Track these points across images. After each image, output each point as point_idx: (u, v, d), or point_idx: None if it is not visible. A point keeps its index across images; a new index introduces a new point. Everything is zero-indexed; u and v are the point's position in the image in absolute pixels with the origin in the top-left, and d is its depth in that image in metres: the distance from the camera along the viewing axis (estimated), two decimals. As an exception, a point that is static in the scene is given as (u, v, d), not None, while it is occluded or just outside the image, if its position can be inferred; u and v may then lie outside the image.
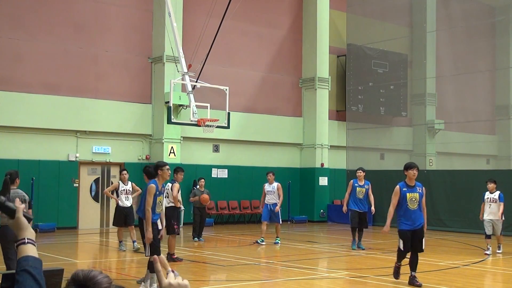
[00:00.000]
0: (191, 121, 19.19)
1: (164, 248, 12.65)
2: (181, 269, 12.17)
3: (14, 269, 2.12)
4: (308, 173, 25.02)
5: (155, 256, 2.32)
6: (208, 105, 19.36)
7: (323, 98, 25.20)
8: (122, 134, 21.11)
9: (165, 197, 12.18)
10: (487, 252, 14.36)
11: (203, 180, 17.60)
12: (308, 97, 25.38)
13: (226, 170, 23.25)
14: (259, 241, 16.18)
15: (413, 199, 10.06)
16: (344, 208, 15.67)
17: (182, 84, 19.92)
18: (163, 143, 21.14)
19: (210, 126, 19.10)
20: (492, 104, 30.90)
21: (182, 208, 19.23)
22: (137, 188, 14.94)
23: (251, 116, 23.95)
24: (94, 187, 20.82)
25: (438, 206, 20.61)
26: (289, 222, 24.17)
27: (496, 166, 29.81)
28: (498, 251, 14.60)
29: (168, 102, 19.65)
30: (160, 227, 9.80)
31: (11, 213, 2.36)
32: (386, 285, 10.53)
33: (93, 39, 20.57)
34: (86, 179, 20.65)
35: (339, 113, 26.68)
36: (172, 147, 21.30)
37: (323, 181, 25.02)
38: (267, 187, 16.43)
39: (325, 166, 25.09)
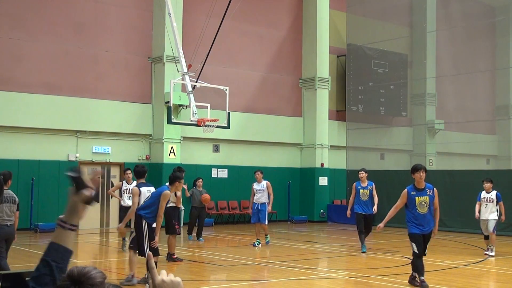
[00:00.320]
0: (191, 121, 19.20)
1: (164, 248, 12.67)
2: (181, 269, 12.18)
3: (5, 267, 2.11)
4: (308, 173, 25.03)
5: (150, 252, 2.35)
6: (208, 105, 19.37)
7: (323, 98, 25.20)
8: (122, 134, 21.12)
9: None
10: (487, 252, 14.18)
11: (201, 180, 17.60)
12: (308, 97, 25.38)
13: (226, 170, 23.25)
14: (255, 244, 15.66)
15: (423, 203, 9.63)
16: (348, 212, 14.96)
17: (182, 84, 19.93)
18: (163, 143, 21.15)
19: (210, 126, 19.11)
20: (492, 104, 30.90)
21: (182, 208, 19.26)
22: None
23: (251, 116, 23.95)
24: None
25: (438, 206, 20.61)
26: (289, 222, 24.18)
27: (496, 166, 29.81)
28: (490, 253, 14.14)
29: (168, 102, 19.66)
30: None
31: (80, 187, 2.31)
32: (386, 285, 10.54)
33: (93, 39, 20.58)
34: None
35: (339, 113, 26.69)
36: (172, 147, 21.30)
37: (323, 181, 25.02)
38: (255, 186, 15.85)
39: (325, 166, 25.09)
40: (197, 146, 22.65)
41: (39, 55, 19.55)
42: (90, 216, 20.59)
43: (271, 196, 15.79)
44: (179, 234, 14.58)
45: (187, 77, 19.36)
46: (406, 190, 9.76)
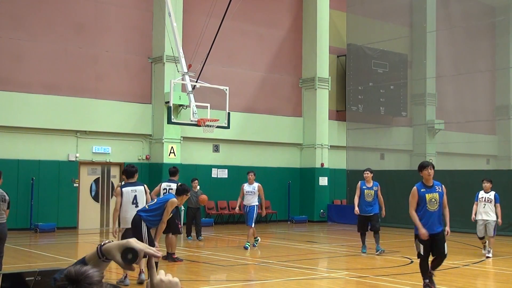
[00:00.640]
0: (191, 121, 19.20)
1: (163, 248, 12.67)
2: (181, 269, 12.18)
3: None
4: (308, 173, 25.03)
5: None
6: (208, 105, 19.36)
7: (323, 98, 25.20)
8: (122, 134, 21.12)
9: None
10: (486, 253, 14.02)
11: (196, 181, 17.56)
12: (308, 97, 25.38)
13: (226, 170, 23.25)
14: (246, 246, 15.13)
15: (433, 200, 9.28)
16: (356, 209, 14.40)
17: (182, 84, 19.93)
18: (163, 143, 21.15)
19: (210, 126, 19.10)
20: (492, 104, 30.90)
21: (182, 208, 19.28)
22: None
23: (251, 116, 23.95)
24: (94, 187, 20.81)
25: (438, 206, 20.58)
26: (289, 222, 24.18)
27: (496, 166, 29.81)
28: (488, 254, 14.04)
29: (168, 102, 19.66)
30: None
31: (131, 262, 2.30)
32: (386, 285, 10.54)
33: (93, 39, 20.58)
34: (86, 179, 20.65)
35: (339, 113, 26.69)
36: (172, 147, 21.30)
37: (323, 181, 25.02)
38: (246, 187, 15.24)
39: (325, 166, 25.09)
40: (197, 146, 22.65)
41: (39, 55, 19.55)
42: (90, 216, 20.59)
43: (263, 199, 15.32)
44: (181, 233, 14.59)
45: (187, 77, 19.36)
46: (415, 188, 9.37)
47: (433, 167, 9.39)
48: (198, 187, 17.74)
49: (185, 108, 20.50)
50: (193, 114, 19.16)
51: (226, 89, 19.75)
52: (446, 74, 27.81)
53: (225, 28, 20.46)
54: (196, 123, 19.07)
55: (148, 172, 21.03)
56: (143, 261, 10.11)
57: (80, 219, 20.32)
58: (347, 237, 19.07)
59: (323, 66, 25.34)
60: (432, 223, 9.22)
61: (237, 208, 15.65)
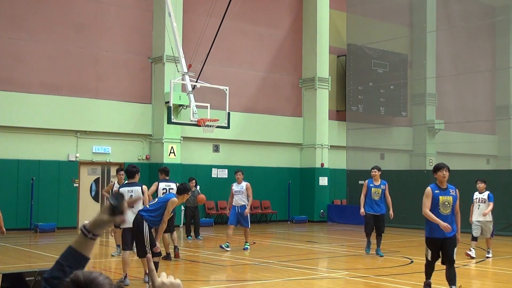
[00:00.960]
0: (191, 121, 19.20)
1: (163, 248, 12.66)
2: (181, 269, 12.18)
3: None
4: (308, 173, 25.03)
5: (149, 255, 2.36)
6: (208, 105, 19.37)
7: (323, 98, 25.21)
8: (122, 134, 21.12)
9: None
10: (469, 253, 13.67)
11: (194, 180, 17.53)
12: (308, 97, 25.38)
13: (226, 170, 23.24)
14: (223, 246, 14.74)
15: (446, 203, 8.92)
16: (362, 210, 14.06)
17: (182, 84, 19.93)
18: (163, 143, 21.15)
19: (210, 126, 19.10)
20: (492, 104, 30.90)
21: (182, 208, 19.29)
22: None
23: (251, 116, 23.95)
24: (94, 187, 20.81)
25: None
26: (289, 222, 24.19)
27: (496, 166, 29.81)
28: (487, 255, 13.90)
29: (168, 102, 19.66)
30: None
31: (115, 213, 2.31)
32: (386, 285, 10.54)
33: (93, 39, 20.58)
34: (86, 179, 20.65)
35: (339, 113, 26.69)
36: (172, 147, 21.30)
37: (323, 181, 25.02)
38: (235, 187, 14.93)
39: (325, 166, 25.09)
40: (197, 146, 22.66)
41: (39, 55, 19.55)
42: (90, 216, 20.51)
43: (251, 199, 14.93)
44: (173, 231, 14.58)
45: (187, 77, 19.36)
46: (429, 188, 9.06)
47: (449, 170, 9.14)
48: (198, 186, 17.74)
49: (185, 108, 20.50)
50: (193, 114, 19.16)
51: (226, 89, 19.75)
52: (446, 74, 27.82)
53: (225, 28, 20.47)
54: (196, 123, 19.08)
55: (148, 172, 21.02)
56: (128, 265, 10.11)
57: (80, 219, 20.30)
58: (347, 237, 19.08)
59: (323, 66, 25.34)
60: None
61: (227, 210, 15.21)
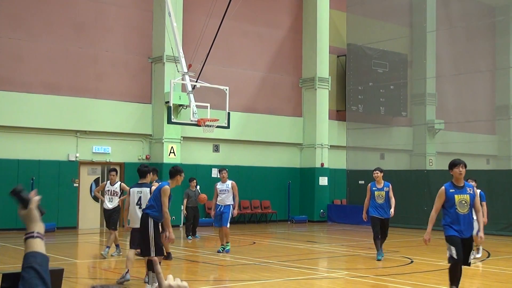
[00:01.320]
0: (191, 121, 19.20)
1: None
2: (182, 269, 12.19)
3: None
4: (308, 173, 25.03)
5: (155, 258, 2.35)
6: (208, 105, 19.37)
7: (323, 98, 25.21)
8: (122, 134, 21.12)
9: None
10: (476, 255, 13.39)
11: (195, 180, 17.55)
12: (308, 97, 25.38)
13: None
14: (220, 250, 14.36)
15: (463, 202, 8.42)
16: (364, 216, 13.58)
17: (182, 84, 19.94)
18: (163, 143, 21.15)
19: (210, 126, 19.11)
20: (492, 104, 30.89)
21: (182, 208, 19.27)
22: (127, 188, 13.38)
23: (251, 116, 23.96)
24: (94, 187, 20.79)
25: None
26: (289, 222, 24.19)
27: (496, 166, 29.80)
28: (476, 255, 13.60)
29: (168, 102, 19.67)
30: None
31: (25, 203, 2.34)
32: (386, 285, 10.54)
33: (93, 39, 20.58)
34: (86, 179, 20.65)
35: (339, 113, 26.69)
36: (172, 147, 21.30)
37: (323, 181, 25.03)
38: (219, 186, 14.50)
39: (325, 166, 25.09)
40: (197, 146, 22.66)
41: (39, 55, 19.55)
42: (90, 216, 20.60)
43: (237, 198, 14.45)
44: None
45: (187, 77, 19.37)
46: (443, 187, 8.61)
47: (465, 166, 8.63)
48: (198, 186, 17.76)
49: (185, 108, 20.50)
50: (193, 114, 19.16)
51: (226, 89, 19.75)
52: (446, 74, 27.81)
53: (225, 28, 20.47)
54: (196, 123, 19.08)
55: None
56: (131, 262, 10.10)
57: (80, 219, 20.32)
58: (347, 237, 19.09)
59: (323, 66, 25.34)
60: (464, 227, 8.47)
61: (213, 211, 14.53)
